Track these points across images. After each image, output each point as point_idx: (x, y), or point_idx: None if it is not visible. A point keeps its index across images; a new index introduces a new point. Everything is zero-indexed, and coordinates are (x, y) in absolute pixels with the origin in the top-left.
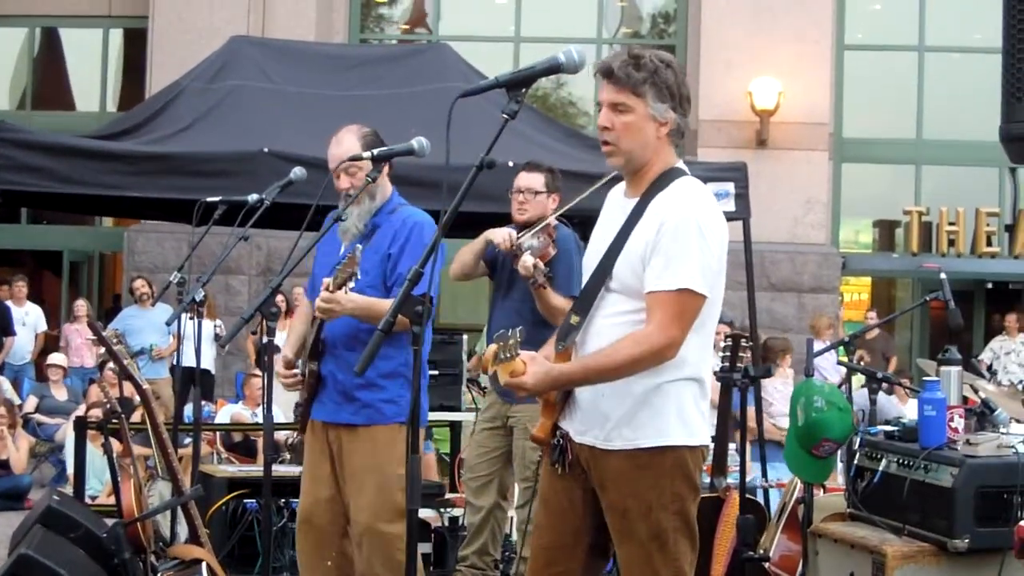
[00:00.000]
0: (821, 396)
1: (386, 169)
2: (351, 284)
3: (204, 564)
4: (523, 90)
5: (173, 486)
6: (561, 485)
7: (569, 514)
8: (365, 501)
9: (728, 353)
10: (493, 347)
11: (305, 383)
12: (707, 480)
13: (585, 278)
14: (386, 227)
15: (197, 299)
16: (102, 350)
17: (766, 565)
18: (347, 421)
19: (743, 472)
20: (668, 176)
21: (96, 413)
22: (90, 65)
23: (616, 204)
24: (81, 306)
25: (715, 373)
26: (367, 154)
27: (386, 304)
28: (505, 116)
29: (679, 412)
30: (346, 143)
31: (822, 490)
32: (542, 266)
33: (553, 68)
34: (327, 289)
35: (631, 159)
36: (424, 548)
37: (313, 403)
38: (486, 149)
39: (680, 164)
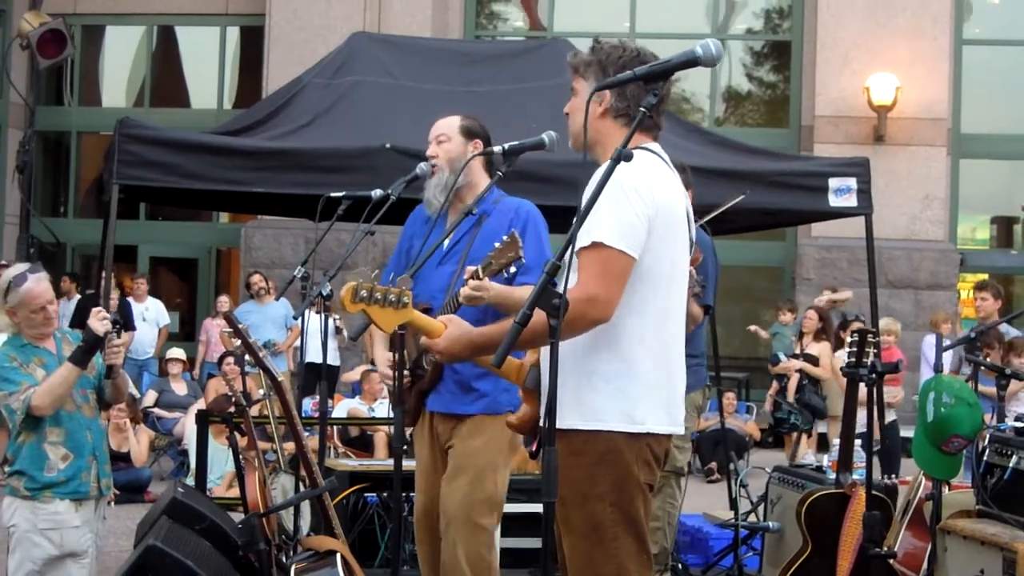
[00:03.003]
0: (950, 392)
1: (480, 159)
2: (513, 269)
3: (338, 555)
4: (660, 84)
5: (308, 478)
6: None
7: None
8: (458, 490)
9: (854, 349)
10: (352, 284)
11: (427, 376)
12: (832, 476)
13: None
14: (496, 215)
15: (324, 294)
16: (236, 342)
17: (892, 562)
18: (462, 411)
19: (870, 468)
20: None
21: (223, 406)
22: (207, 63)
23: None
24: (224, 302)
25: (841, 369)
26: (498, 148)
27: (519, 292)
28: (643, 109)
29: (616, 397)
30: (448, 118)
31: (947, 487)
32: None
33: (690, 61)
34: (475, 276)
35: (576, 140)
36: None
37: (429, 395)
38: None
39: (648, 145)
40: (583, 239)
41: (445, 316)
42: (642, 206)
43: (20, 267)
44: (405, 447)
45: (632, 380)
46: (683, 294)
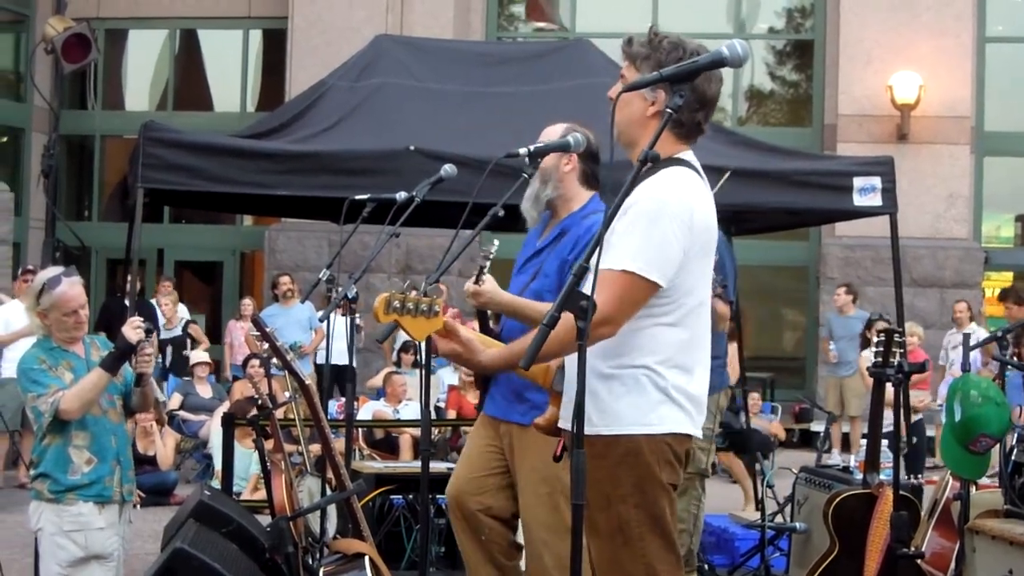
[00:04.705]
0: (978, 391)
1: (575, 169)
2: (484, 277)
3: (367, 558)
4: (686, 84)
5: (336, 480)
6: None
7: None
8: (544, 518)
9: (881, 349)
10: (385, 295)
11: (477, 378)
12: (859, 477)
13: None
14: (573, 232)
15: (349, 296)
16: (264, 345)
17: (919, 562)
18: (517, 420)
19: (897, 468)
20: (662, 164)
21: (245, 409)
22: (230, 66)
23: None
24: (247, 305)
25: (868, 369)
26: (523, 150)
27: (533, 305)
28: (669, 111)
29: (633, 400)
30: (556, 126)
31: (974, 486)
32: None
33: (717, 62)
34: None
35: (620, 131)
36: None
37: (484, 398)
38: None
39: (684, 155)
40: (613, 260)
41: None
42: (680, 234)
43: (54, 270)
44: (432, 450)
45: (651, 384)
46: (707, 300)
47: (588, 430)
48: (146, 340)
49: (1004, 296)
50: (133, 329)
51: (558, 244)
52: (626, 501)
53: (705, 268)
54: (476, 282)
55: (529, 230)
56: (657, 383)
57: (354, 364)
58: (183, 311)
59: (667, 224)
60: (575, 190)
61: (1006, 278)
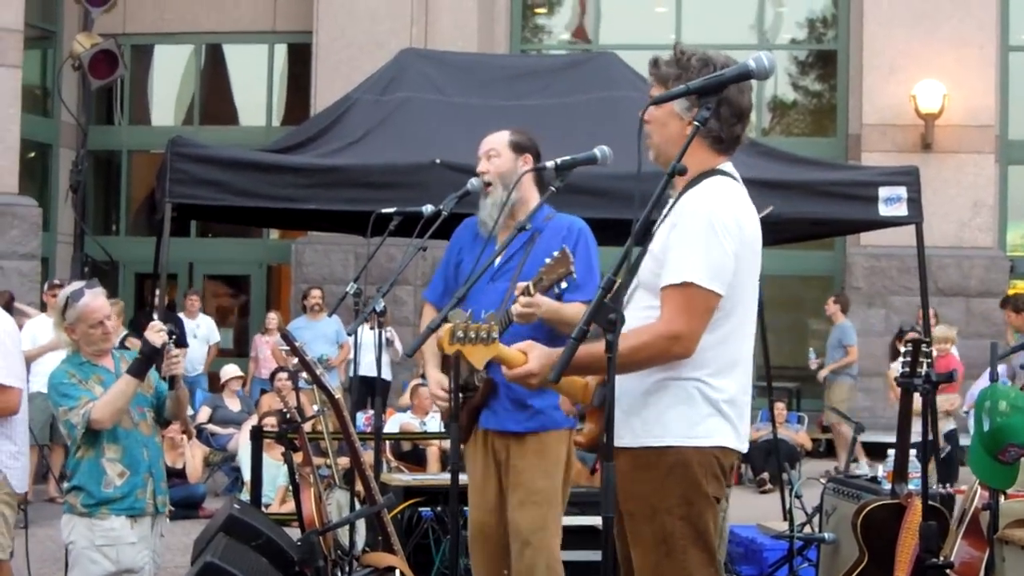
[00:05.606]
0: (1006, 400)
1: (530, 175)
2: (564, 284)
3: (398, 572)
4: (713, 97)
5: (366, 494)
6: None
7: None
8: (530, 513)
9: (908, 359)
10: (450, 326)
11: (478, 394)
12: (887, 487)
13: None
14: (549, 233)
15: (378, 309)
16: (293, 360)
17: (948, 572)
18: (516, 429)
19: (925, 478)
20: (702, 176)
21: (272, 422)
22: (255, 80)
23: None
24: (272, 319)
25: (896, 379)
26: (551, 163)
27: (570, 308)
28: (696, 124)
29: (683, 412)
30: (497, 133)
31: (1003, 496)
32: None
33: (743, 75)
34: (526, 292)
35: (659, 153)
36: None
37: (482, 411)
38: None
39: (723, 166)
40: (672, 274)
41: (523, 344)
42: (731, 243)
43: (77, 284)
44: (460, 462)
45: (701, 397)
46: (754, 311)
47: (634, 442)
48: (169, 342)
49: (1004, 303)
50: (156, 333)
51: (534, 247)
52: (672, 513)
53: (752, 278)
54: (535, 292)
55: (460, 231)
56: (708, 396)
57: (389, 377)
58: (211, 325)
59: (719, 234)
60: (532, 192)
61: None
